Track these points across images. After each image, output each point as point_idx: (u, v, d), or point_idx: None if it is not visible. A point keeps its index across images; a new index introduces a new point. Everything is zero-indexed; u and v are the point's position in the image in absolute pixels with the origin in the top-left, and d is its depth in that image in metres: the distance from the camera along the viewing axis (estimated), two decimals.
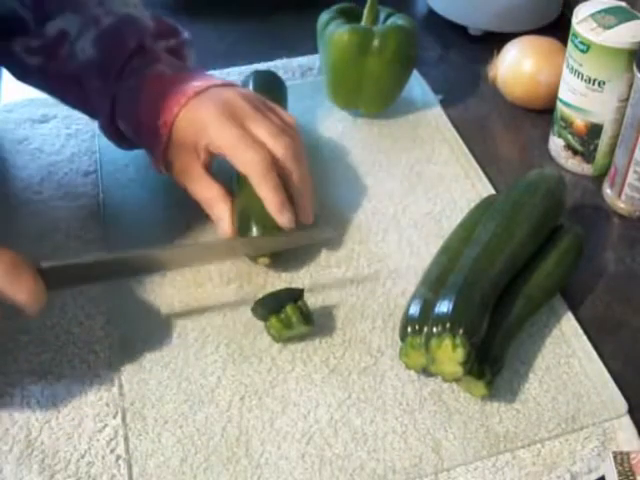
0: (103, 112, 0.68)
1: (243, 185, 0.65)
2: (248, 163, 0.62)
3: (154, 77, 0.66)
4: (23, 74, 0.71)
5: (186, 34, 0.72)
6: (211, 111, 0.63)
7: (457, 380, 0.55)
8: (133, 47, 0.67)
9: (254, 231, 0.64)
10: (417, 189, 0.74)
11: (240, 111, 0.64)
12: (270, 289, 0.64)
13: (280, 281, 0.65)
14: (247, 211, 0.65)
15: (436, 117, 0.83)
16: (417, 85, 0.86)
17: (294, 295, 0.60)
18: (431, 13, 0.97)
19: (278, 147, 0.63)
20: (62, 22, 0.67)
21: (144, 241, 0.68)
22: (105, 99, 0.67)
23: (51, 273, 0.54)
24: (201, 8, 0.99)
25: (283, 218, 0.63)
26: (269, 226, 0.64)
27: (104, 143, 0.77)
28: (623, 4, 0.71)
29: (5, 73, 0.75)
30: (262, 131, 0.64)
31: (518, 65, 0.81)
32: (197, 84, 0.65)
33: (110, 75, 0.66)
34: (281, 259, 0.66)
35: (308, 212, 0.66)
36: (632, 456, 0.51)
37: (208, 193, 0.65)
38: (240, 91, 0.67)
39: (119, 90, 0.67)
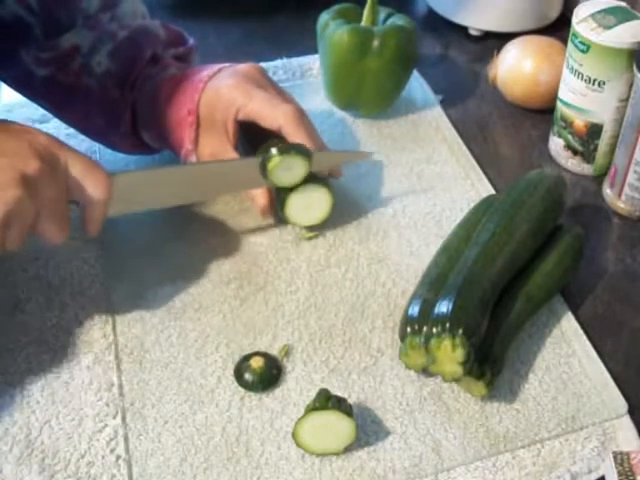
0: (125, 121, 0.70)
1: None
2: (282, 116, 0.65)
3: (167, 79, 0.69)
4: (26, 83, 0.70)
5: (192, 41, 0.75)
6: (232, 83, 0.67)
7: (457, 380, 0.55)
8: (149, 56, 0.70)
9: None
10: (417, 189, 0.74)
11: (258, 78, 0.68)
12: (270, 289, 0.65)
13: (280, 281, 0.65)
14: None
15: (436, 117, 0.83)
16: (417, 85, 0.86)
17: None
18: (431, 13, 0.97)
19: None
20: (75, 37, 0.68)
21: (144, 241, 0.69)
22: (126, 108, 0.70)
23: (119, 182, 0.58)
24: (201, 8, 0.99)
25: None
26: None
27: None
28: (623, 4, 0.71)
29: None
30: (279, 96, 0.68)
31: (518, 65, 0.81)
32: (208, 70, 0.69)
33: (127, 84, 0.69)
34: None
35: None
36: (632, 456, 0.51)
37: None
38: (248, 65, 0.70)
39: (137, 97, 0.69)
